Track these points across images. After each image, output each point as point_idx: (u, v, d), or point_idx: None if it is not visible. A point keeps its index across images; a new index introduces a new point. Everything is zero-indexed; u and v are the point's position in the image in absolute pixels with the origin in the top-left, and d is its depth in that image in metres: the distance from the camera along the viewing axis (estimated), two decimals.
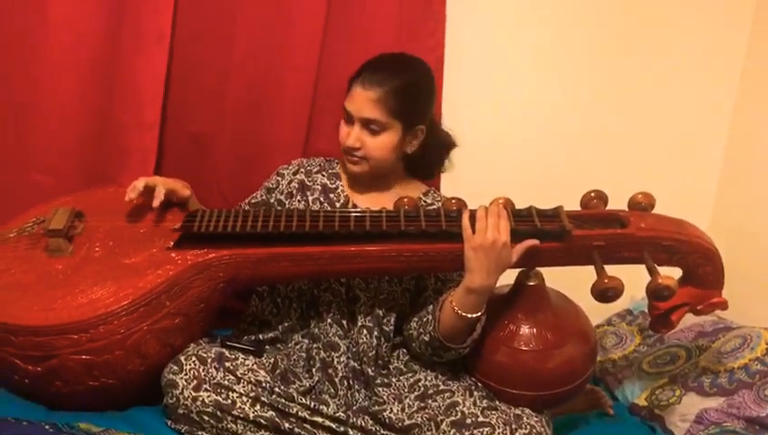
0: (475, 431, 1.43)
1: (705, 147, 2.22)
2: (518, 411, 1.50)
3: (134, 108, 1.85)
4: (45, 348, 1.41)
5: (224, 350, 1.51)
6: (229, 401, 1.43)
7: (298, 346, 1.66)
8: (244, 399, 1.44)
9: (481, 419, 1.46)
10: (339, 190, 1.70)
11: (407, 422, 1.48)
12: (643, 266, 1.48)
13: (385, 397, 1.55)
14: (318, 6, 1.85)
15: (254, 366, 1.49)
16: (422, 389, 1.58)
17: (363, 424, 1.49)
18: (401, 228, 1.50)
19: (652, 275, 1.45)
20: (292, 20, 1.86)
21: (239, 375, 1.46)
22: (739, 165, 2.19)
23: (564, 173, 2.11)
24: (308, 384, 1.57)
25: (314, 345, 1.63)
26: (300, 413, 1.46)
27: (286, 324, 1.67)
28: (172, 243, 1.52)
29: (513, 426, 1.45)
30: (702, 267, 1.52)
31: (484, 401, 1.52)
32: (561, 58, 2.10)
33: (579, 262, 1.51)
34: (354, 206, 1.67)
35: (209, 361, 1.46)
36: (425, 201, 1.69)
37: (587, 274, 1.48)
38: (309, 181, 1.71)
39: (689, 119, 2.18)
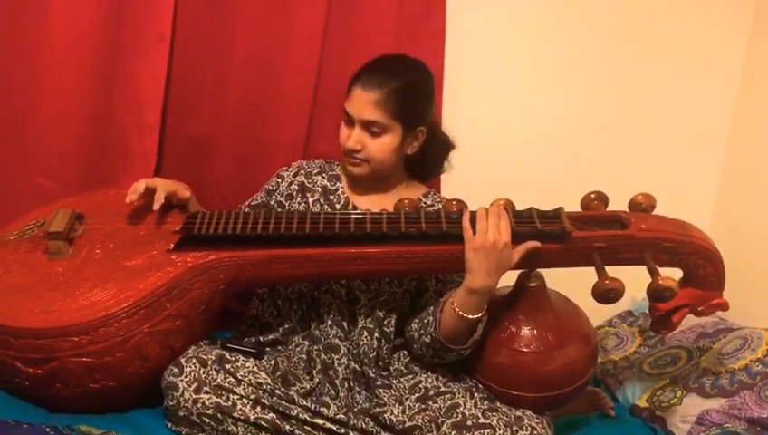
0: (476, 433, 1.43)
1: (706, 147, 2.22)
2: (519, 413, 1.50)
3: (134, 109, 1.85)
4: (46, 350, 1.41)
5: (224, 352, 1.51)
6: (230, 404, 1.43)
7: (299, 348, 1.66)
8: (245, 401, 1.44)
9: (482, 420, 1.46)
10: (339, 192, 1.70)
11: (407, 424, 1.47)
12: (644, 267, 1.48)
13: (386, 399, 1.55)
14: (318, 8, 1.86)
15: (255, 368, 1.49)
16: (423, 390, 1.58)
17: (364, 426, 1.49)
18: (402, 230, 1.50)
19: (653, 277, 1.45)
20: (293, 21, 1.86)
21: (240, 377, 1.46)
22: (740, 165, 2.19)
23: (565, 174, 2.11)
24: (309, 386, 1.57)
25: (315, 347, 1.63)
26: (300, 415, 1.46)
27: (287, 326, 1.67)
28: (172, 245, 1.52)
29: (514, 428, 1.45)
30: (703, 268, 1.52)
31: (485, 403, 1.52)
32: (561, 59, 2.10)
33: (579, 263, 1.51)
34: (354, 207, 1.67)
35: (210, 363, 1.45)
36: (425, 202, 1.69)
37: (588, 275, 1.48)
38: (309, 183, 1.71)
39: (690, 119, 2.18)
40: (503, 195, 1.57)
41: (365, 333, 1.61)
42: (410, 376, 1.63)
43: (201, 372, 1.44)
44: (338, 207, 1.67)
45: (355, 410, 1.55)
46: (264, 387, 1.46)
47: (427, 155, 1.71)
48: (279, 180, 1.74)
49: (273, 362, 1.55)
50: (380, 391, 1.58)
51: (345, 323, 1.63)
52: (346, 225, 1.52)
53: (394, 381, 1.62)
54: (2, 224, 1.68)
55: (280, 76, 1.90)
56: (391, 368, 1.65)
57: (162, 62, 1.82)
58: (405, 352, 1.67)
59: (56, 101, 1.83)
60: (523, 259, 1.48)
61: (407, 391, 1.59)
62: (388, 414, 1.50)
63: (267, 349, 1.65)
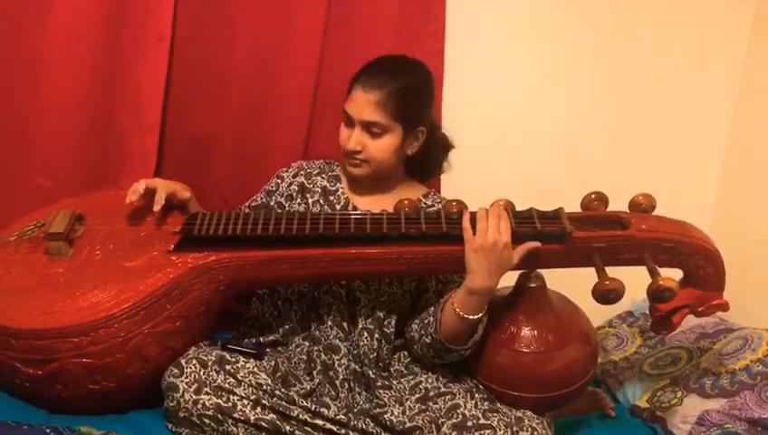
0: (477, 434, 1.43)
1: (706, 148, 2.22)
2: (519, 414, 1.50)
3: (134, 110, 1.85)
4: (46, 351, 1.41)
5: (224, 353, 1.51)
6: (230, 404, 1.43)
7: (299, 349, 1.66)
8: (245, 402, 1.44)
9: (482, 421, 1.46)
10: (339, 193, 1.69)
11: (408, 425, 1.47)
12: (644, 268, 1.48)
13: (386, 399, 1.55)
14: (318, 8, 1.85)
15: (255, 369, 1.49)
16: (423, 391, 1.58)
17: (364, 427, 1.49)
18: (402, 231, 1.50)
19: (653, 277, 1.45)
20: (293, 21, 1.86)
21: (240, 378, 1.46)
22: (740, 166, 2.19)
23: (565, 175, 2.11)
24: (309, 387, 1.57)
25: (315, 348, 1.63)
26: (301, 416, 1.46)
27: (287, 327, 1.67)
28: (172, 246, 1.52)
29: (515, 428, 1.45)
30: (703, 269, 1.52)
31: (486, 404, 1.52)
32: (560, 59, 2.10)
33: (579, 264, 1.51)
34: (354, 208, 1.67)
35: (210, 364, 1.45)
36: (425, 203, 1.69)
37: (588, 275, 1.48)
38: (309, 184, 1.71)
39: (690, 119, 2.18)
40: (503, 195, 1.57)
41: (365, 334, 1.61)
42: (411, 377, 1.63)
43: (201, 373, 1.44)
44: (338, 207, 1.67)
45: (355, 410, 1.55)
46: (265, 388, 1.46)
47: (427, 155, 1.71)
48: (279, 181, 1.74)
49: (273, 363, 1.55)
50: (381, 391, 1.58)
51: (345, 324, 1.63)
52: (346, 225, 1.52)
53: (394, 382, 1.62)
54: (2, 225, 1.68)
55: (280, 76, 1.90)
56: (392, 369, 1.65)
57: (162, 62, 1.82)
58: (405, 352, 1.67)
59: (56, 102, 1.83)
60: (524, 260, 1.48)
61: (407, 392, 1.59)
62: (389, 415, 1.49)
63: (267, 350, 1.65)
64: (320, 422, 1.47)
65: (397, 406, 1.53)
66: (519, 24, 2.07)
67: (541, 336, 1.54)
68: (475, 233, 1.45)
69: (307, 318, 1.66)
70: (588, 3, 2.07)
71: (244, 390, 1.45)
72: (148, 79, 1.83)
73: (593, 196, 1.58)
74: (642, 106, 2.15)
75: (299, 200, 1.70)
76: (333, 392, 1.59)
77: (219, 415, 1.42)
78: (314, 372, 1.62)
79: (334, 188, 1.70)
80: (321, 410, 1.47)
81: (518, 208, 1.55)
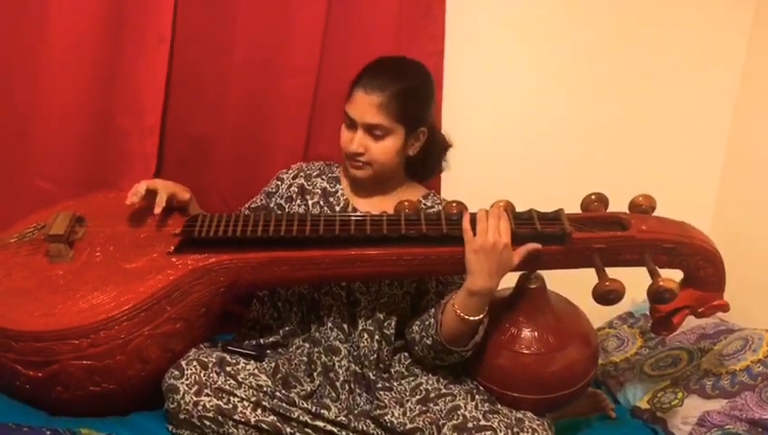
0: None
1: (706, 148, 2.22)
2: (520, 415, 1.50)
3: (134, 111, 1.85)
4: (46, 353, 1.41)
5: (225, 354, 1.51)
6: (230, 406, 1.43)
7: (299, 350, 1.66)
8: (246, 403, 1.44)
9: (483, 422, 1.46)
10: (338, 194, 1.69)
11: (408, 426, 1.47)
12: (644, 269, 1.48)
13: (386, 401, 1.55)
14: (318, 8, 1.85)
15: (256, 371, 1.49)
16: (423, 392, 1.58)
17: (365, 428, 1.49)
18: (402, 232, 1.50)
19: (653, 278, 1.45)
20: (293, 22, 1.86)
21: (240, 380, 1.46)
22: (740, 166, 2.18)
23: (565, 176, 2.11)
24: (309, 388, 1.57)
25: (315, 349, 1.63)
26: (301, 417, 1.46)
27: (287, 329, 1.67)
28: (173, 248, 1.52)
29: (515, 429, 1.45)
30: (703, 270, 1.51)
31: (486, 405, 1.52)
32: (560, 60, 2.10)
33: (580, 265, 1.51)
34: (354, 209, 1.67)
35: (210, 365, 1.45)
36: (425, 204, 1.69)
37: (588, 276, 1.48)
38: (309, 185, 1.71)
39: (690, 120, 2.18)
40: (502, 196, 1.57)
41: (365, 336, 1.61)
42: (411, 378, 1.63)
43: (202, 375, 1.44)
44: (337, 209, 1.67)
45: (356, 412, 1.55)
46: (265, 389, 1.46)
47: (428, 156, 1.71)
48: (279, 183, 1.74)
49: (273, 365, 1.55)
50: (381, 393, 1.58)
51: (345, 326, 1.63)
52: (346, 227, 1.52)
53: (395, 384, 1.62)
54: (2, 227, 1.69)
55: (280, 77, 1.90)
56: (392, 370, 1.65)
57: (162, 63, 1.81)
58: (405, 354, 1.67)
59: (56, 102, 1.82)
60: (524, 261, 1.47)
61: (407, 393, 1.59)
62: (389, 416, 1.49)
63: (268, 351, 1.65)
64: (320, 424, 1.47)
65: (397, 407, 1.53)
66: (519, 24, 2.07)
67: (541, 338, 1.53)
68: (475, 234, 1.45)
69: (307, 320, 1.66)
70: (588, 3, 2.07)
71: (245, 391, 1.45)
72: (148, 80, 1.82)
73: (593, 197, 1.58)
74: (642, 106, 2.15)
75: (298, 202, 1.70)
76: (334, 394, 1.59)
77: (220, 417, 1.42)
78: (315, 374, 1.62)
79: (334, 190, 1.70)
80: (322, 411, 1.47)
81: (518, 209, 1.55)
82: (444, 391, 1.57)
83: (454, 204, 1.58)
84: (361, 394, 1.60)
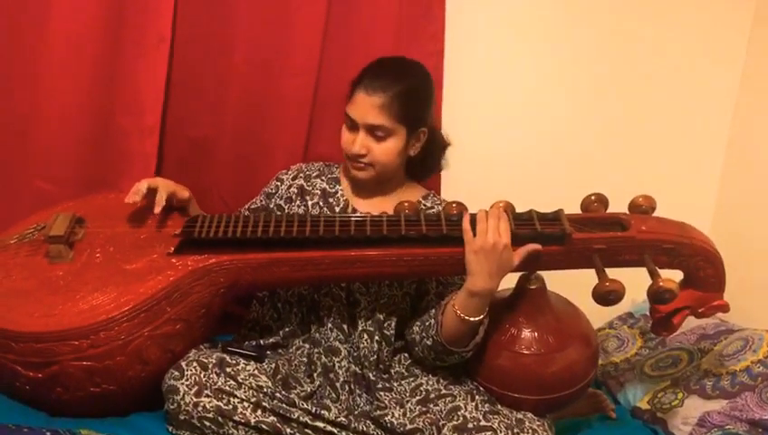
0: None
1: (706, 149, 2.22)
2: (520, 416, 1.50)
3: (134, 111, 1.85)
4: (46, 354, 1.41)
5: (225, 355, 1.51)
6: (230, 407, 1.43)
7: (299, 351, 1.66)
8: (246, 404, 1.44)
9: (483, 423, 1.46)
10: (338, 195, 1.69)
11: (408, 427, 1.47)
12: (644, 269, 1.48)
13: (386, 401, 1.55)
14: (318, 8, 1.85)
15: (256, 371, 1.49)
16: (423, 393, 1.58)
17: (365, 429, 1.49)
18: (402, 233, 1.50)
19: (653, 278, 1.45)
20: (293, 22, 1.86)
21: (240, 381, 1.46)
22: (740, 167, 2.18)
23: (565, 176, 2.11)
24: (309, 389, 1.57)
25: (315, 350, 1.63)
26: (301, 418, 1.46)
27: (287, 329, 1.67)
28: (173, 248, 1.52)
29: (516, 430, 1.45)
30: (703, 270, 1.51)
31: (486, 406, 1.52)
32: (560, 60, 2.10)
33: (580, 265, 1.51)
34: (354, 210, 1.67)
35: (210, 366, 1.45)
36: (425, 205, 1.69)
37: (588, 277, 1.48)
38: (308, 186, 1.71)
39: (690, 120, 2.18)
40: (502, 197, 1.56)
41: (365, 336, 1.61)
42: (411, 379, 1.63)
43: (202, 376, 1.44)
44: (337, 210, 1.67)
45: (356, 412, 1.55)
46: (265, 390, 1.46)
47: (428, 155, 1.71)
48: (278, 183, 1.74)
49: (273, 366, 1.55)
50: (381, 393, 1.58)
51: (345, 326, 1.63)
52: (346, 228, 1.52)
53: (395, 384, 1.62)
54: (2, 228, 1.68)
55: (280, 77, 1.90)
56: (392, 371, 1.65)
57: (162, 63, 1.81)
58: (405, 354, 1.66)
59: (56, 103, 1.82)
60: (524, 261, 1.47)
61: (407, 394, 1.59)
62: (389, 417, 1.49)
63: (268, 352, 1.65)
64: (320, 425, 1.47)
65: (397, 408, 1.53)
66: (519, 24, 2.07)
67: (541, 338, 1.53)
68: (475, 235, 1.45)
69: (307, 320, 1.66)
70: (588, 3, 2.07)
71: (245, 392, 1.45)
72: (148, 80, 1.82)
73: (593, 197, 1.58)
74: (642, 106, 2.15)
75: (298, 202, 1.70)
76: (334, 395, 1.59)
77: (220, 418, 1.42)
78: (315, 375, 1.62)
79: (334, 191, 1.70)
80: (322, 412, 1.47)
81: (518, 210, 1.55)
82: (444, 391, 1.57)
83: (454, 204, 1.58)
84: (361, 395, 1.60)
